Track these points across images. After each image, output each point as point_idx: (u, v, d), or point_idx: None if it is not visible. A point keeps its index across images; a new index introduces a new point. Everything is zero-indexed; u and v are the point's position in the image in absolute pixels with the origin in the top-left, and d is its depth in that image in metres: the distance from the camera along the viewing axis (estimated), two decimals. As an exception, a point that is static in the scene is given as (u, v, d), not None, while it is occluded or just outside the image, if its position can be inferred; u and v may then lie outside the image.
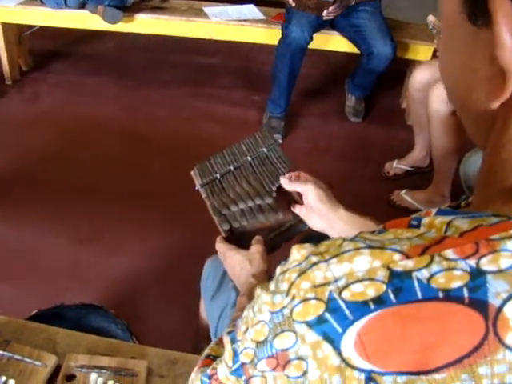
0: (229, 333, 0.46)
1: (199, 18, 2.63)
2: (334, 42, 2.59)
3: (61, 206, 2.07)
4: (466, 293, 0.30)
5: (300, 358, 0.34)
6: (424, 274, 0.31)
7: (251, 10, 2.69)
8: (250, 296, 0.78)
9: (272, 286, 0.37)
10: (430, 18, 1.91)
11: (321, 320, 0.33)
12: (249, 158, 0.99)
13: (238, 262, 0.86)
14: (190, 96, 2.84)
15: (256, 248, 0.87)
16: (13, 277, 1.77)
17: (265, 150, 1.00)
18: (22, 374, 0.87)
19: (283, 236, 0.95)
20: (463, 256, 0.31)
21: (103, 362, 0.91)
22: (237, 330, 0.43)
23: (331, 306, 0.32)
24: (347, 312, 0.32)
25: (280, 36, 2.42)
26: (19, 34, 2.83)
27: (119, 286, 1.76)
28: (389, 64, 2.41)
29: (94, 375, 0.88)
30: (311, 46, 2.40)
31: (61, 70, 3.02)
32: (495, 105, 0.35)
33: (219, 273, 1.10)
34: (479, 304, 0.30)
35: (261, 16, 2.65)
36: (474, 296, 0.30)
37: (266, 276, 0.82)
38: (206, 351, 0.59)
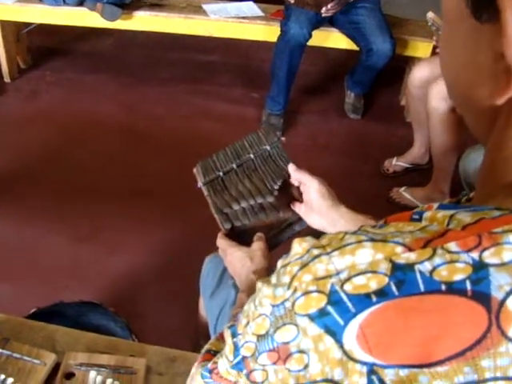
0: (229, 327, 0.46)
1: (198, 15, 2.62)
2: (333, 39, 2.59)
3: (60, 204, 2.06)
4: (468, 285, 0.30)
5: (301, 352, 0.34)
6: (426, 266, 0.31)
7: (250, 7, 2.69)
8: (251, 293, 0.78)
9: (273, 279, 0.37)
10: (430, 15, 1.91)
11: (323, 313, 0.32)
12: (251, 156, 0.98)
13: (238, 259, 0.86)
14: (189, 93, 2.83)
15: (257, 245, 0.87)
16: (12, 275, 1.77)
17: (268, 147, 0.99)
18: (21, 372, 0.87)
19: (283, 234, 0.95)
20: (466, 249, 0.31)
21: (102, 360, 0.90)
22: (238, 323, 0.43)
23: (333, 298, 0.32)
24: (349, 305, 0.32)
25: (279, 33, 2.41)
26: (17, 32, 2.83)
27: (119, 283, 1.76)
28: (388, 61, 2.40)
29: (92, 373, 0.88)
30: (310, 42, 2.40)
31: (59, 67, 3.01)
32: (500, 101, 0.35)
33: (219, 270, 1.10)
34: (482, 297, 0.30)
35: (260, 13, 2.64)
36: (476, 289, 0.30)
37: (266, 273, 0.82)
38: (207, 346, 0.59)
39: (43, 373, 0.87)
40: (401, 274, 0.31)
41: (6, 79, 2.84)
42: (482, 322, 0.30)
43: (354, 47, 2.53)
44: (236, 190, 0.95)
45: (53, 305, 1.18)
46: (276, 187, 0.93)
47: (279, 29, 2.42)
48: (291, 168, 0.90)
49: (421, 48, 2.55)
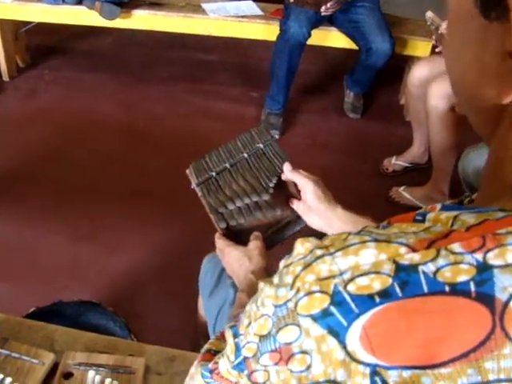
0: (231, 327, 0.46)
1: (197, 14, 2.62)
2: (333, 38, 2.59)
3: (60, 204, 2.06)
4: (472, 287, 0.30)
5: (304, 352, 0.33)
6: (430, 267, 0.31)
7: (249, 6, 2.68)
8: (250, 292, 0.78)
9: (276, 279, 0.37)
10: (429, 14, 1.90)
11: (326, 313, 0.32)
12: (245, 155, 0.98)
13: (236, 259, 0.86)
14: (188, 92, 2.83)
15: (254, 244, 0.86)
16: (12, 275, 1.76)
17: (261, 145, 0.99)
18: (20, 371, 0.87)
19: (282, 233, 0.95)
20: (470, 250, 0.31)
21: (101, 360, 0.90)
22: (239, 324, 0.43)
23: (336, 299, 0.32)
24: (352, 305, 0.31)
25: (278, 32, 2.41)
26: (16, 31, 2.82)
27: (118, 283, 1.76)
28: (387, 60, 2.40)
29: (91, 373, 0.88)
30: (309, 41, 2.40)
31: (58, 66, 3.00)
32: (506, 100, 0.34)
33: (217, 270, 1.09)
34: (486, 298, 0.30)
35: (259, 12, 2.64)
36: (480, 290, 0.30)
37: (265, 272, 0.82)
38: (206, 346, 0.59)
39: (41, 372, 0.87)
40: (404, 274, 0.31)
41: (5, 78, 2.83)
42: (485, 323, 0.29)
43: (353, 46, 2.53)
44: (230, 189, 0.94)
45: (52, 304, 1.17)
46: (271, 185, 0.92)
47: (278, 28, 2.42)
48: (286, 168, 0.89)
49: (420, 47, 2.55)
